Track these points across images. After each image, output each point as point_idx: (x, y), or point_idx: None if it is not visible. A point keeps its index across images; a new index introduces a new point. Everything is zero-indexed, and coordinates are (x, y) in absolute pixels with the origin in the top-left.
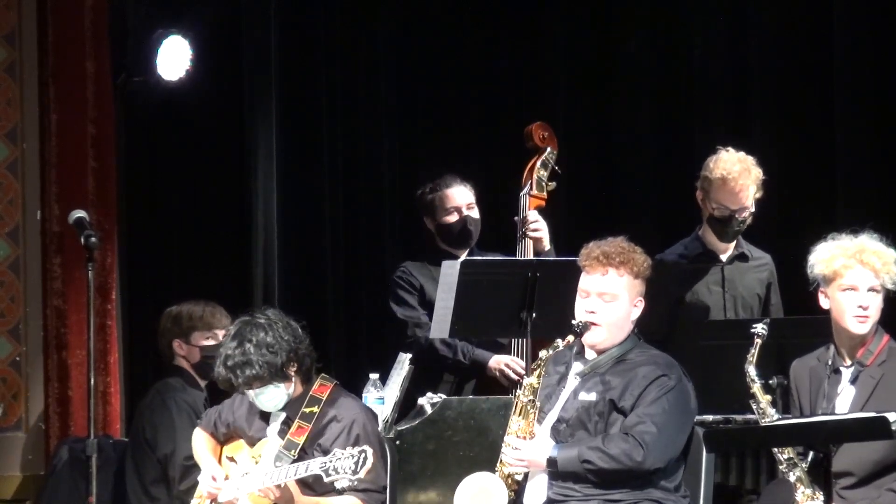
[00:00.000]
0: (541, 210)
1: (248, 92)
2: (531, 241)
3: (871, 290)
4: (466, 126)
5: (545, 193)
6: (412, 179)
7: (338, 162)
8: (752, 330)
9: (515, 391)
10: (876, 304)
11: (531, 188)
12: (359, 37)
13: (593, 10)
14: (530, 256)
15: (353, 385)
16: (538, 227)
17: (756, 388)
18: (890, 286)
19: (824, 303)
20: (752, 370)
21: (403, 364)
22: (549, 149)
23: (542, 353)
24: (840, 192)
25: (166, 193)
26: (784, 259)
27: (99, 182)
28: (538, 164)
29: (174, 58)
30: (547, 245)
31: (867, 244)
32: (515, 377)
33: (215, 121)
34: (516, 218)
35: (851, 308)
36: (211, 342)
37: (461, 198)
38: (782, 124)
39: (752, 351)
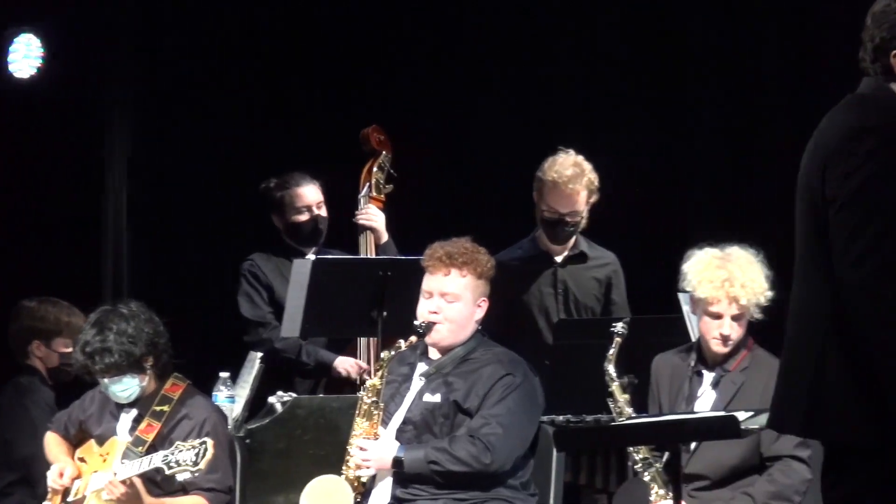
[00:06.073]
0: (381, 212)
1: (101, 87)
2: (371, 236)
3: (735, 318)
4: (328, 121)
5: (383, 196)
6: (266, 175)
7: (191, 158)
8: (612, 329)
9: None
10: (738, 330)
11: (370, 190)
12: (215, 30)
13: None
14: (371, 249)
15: (203, 383)
16: (368, 217)
17: (615, 386)
18: (757, 315)
19: (690, 307)
20: (611, 368)
21: (254, 363)
22: (384, 152)
23: (384, 354)
24: (695, 190)
25: (16, 189)
26: (633, 257)
27: None
28: (375, 167)
29: (26, 55)
30: (384, 236)
31: (736, 273)
32: (355, 377)
33: (68, 117)
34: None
35: (713, 332)
36: (71, 350)
37: (311, 196)
38: (635, 124)
39: (612, 349)
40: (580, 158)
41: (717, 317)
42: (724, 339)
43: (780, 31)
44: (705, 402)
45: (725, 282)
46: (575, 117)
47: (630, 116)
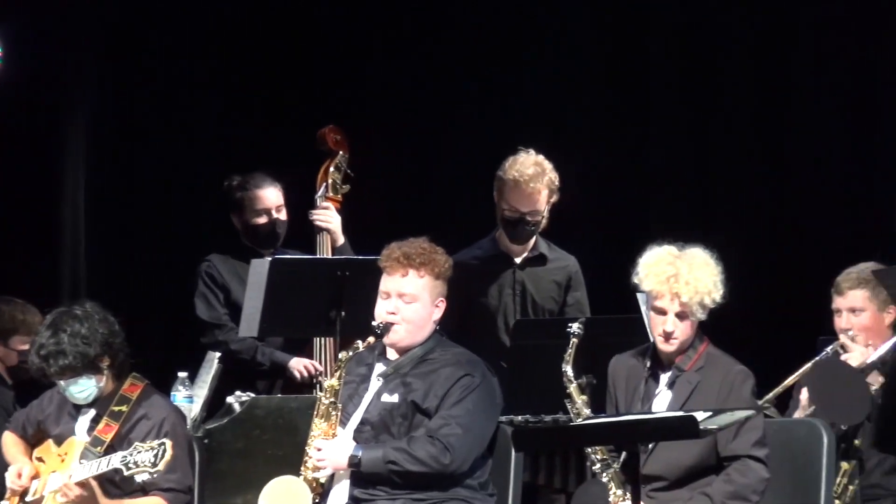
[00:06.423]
0: (338, 212)
1: (60, 89)
2: (327, 237)
3: (678, 315)
4: (286, 122)
5: (340, 196)
6: (224, 176)
7: (149, 159)
8: (568, 329)
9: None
10: (683, 328)
11: (326, 191)
12: (174, 33)
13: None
14: (327, 250)
15: (162, 383)
16: (324, 218)
17: (573, 387)
18: (700, 316)
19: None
20: (568, 370)
21: (212, 363)
22: (341, 152)
23: (342, 355)
24: (654, 192)
25: None
26: (596, 258)
27: None
28: (331, 167)
29: None
30: (340, 238)
31: (683, 270)
32: (308, 378)
33: (26, 118)
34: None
35: (657, 329)
36: (28, 347)
37: (271, 199)
38: (598, 124)
39: (569, 350)
40: (541, 158)
41: (662, 312)
42: (667, 336)
43: (742, 37)
44: (661, 402)
45: (671, 277)
46: (535, 117)
47: (592, 117)
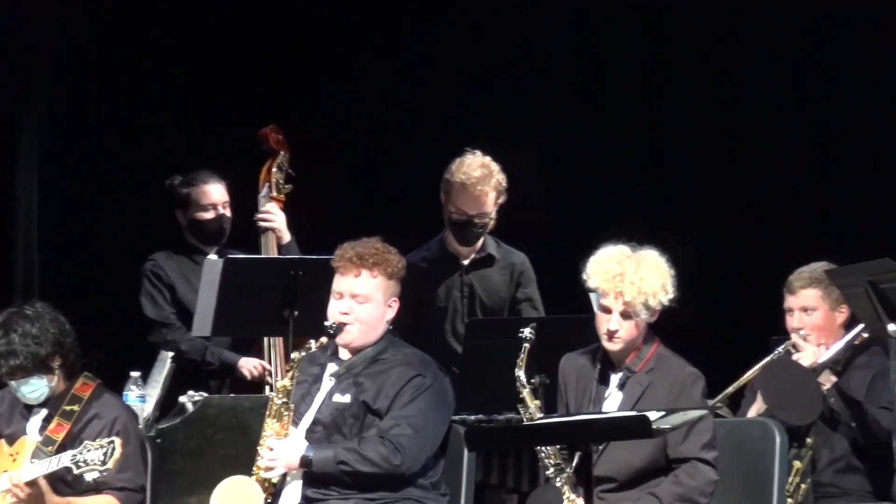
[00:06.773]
0: (282, 211)
1: (12, 89)
2: (273, 236)
3: (623, 314)
4: (230, 123)
5: (283, 196)
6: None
7: (101, 159)
8: (520, 334)
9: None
10: (627, 328)
11: (270, 190)
12: (122, 32)
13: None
14: (273, 249)
15: (114, 383)
16: (268, 218)
17: (525, 392)
18: (644, 316)
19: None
20: (521, 374)
21: (165, 362)
22: (282, 152)
23: (295, 355)
24: (608, 192)
25: None
26: (550, 257)
27: None
28: (274, 167)
29: None
30: (286, 236)
31: (629, 269)
32: (259, 377)
33: None
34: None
35: (602, 327)
36: None
37: (218, 195)
38: (550, 124)
39: (521, 355)
40: (487, 159)
41: (607, 310)
42: (610, 335)
43: (699, 38)
44: (612, 403)
45: (616, 276)
46: (486, 116)
47: (546, 116)
